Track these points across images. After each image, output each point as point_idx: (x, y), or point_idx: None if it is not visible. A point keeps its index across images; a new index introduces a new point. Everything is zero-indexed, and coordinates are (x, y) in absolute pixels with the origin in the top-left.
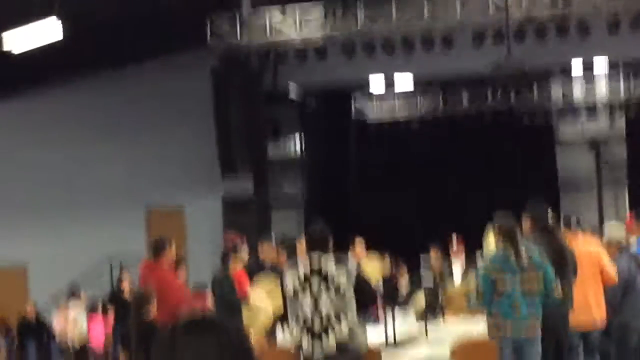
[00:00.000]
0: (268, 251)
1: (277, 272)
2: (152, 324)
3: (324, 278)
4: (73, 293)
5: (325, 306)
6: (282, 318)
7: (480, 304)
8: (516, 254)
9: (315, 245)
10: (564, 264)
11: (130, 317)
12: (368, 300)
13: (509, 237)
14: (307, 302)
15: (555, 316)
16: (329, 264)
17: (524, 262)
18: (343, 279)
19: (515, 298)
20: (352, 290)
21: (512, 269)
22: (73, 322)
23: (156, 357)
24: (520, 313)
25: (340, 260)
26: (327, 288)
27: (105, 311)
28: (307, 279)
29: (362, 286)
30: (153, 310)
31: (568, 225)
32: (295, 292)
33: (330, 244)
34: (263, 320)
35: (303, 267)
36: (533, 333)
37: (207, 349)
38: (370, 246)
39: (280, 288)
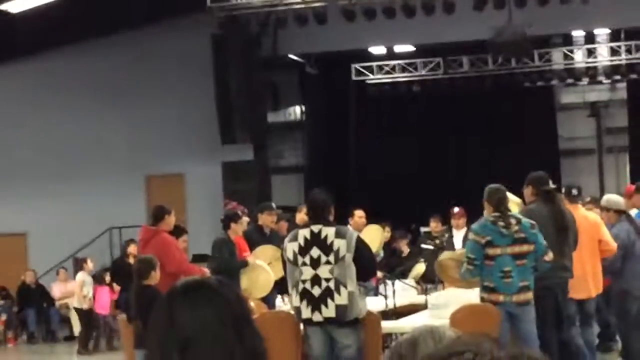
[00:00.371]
0: (267, 218)
1: (277, 239)
2: (155, 291)
3: (324, 245)
4: (78, 261)
5: (325, 273)
6: (282, 288)
7: (471, 272)
8: (506, 225)
9: (316, 214)
10: (565, 229)
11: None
12: (369, 268)
13: (498, 208)
14: (306, 269)
15: (554, 282)
16: (329, 231)
17: (514, 233)
18: (343, 246)
19: (506, 263)
20: (352, 257)
21: (501, 239)
22: (79, 287)
23: (154, 322)
24: (511, 279)
25: (340, 229)
26: (327, 255)
27: (111, 280)
28: (307, 246)
29: (362, 254)
30: (156, 277)
31: (569, 195)
32: (295, 259)
33: (332, 213)
34: (262, 284)
35: (303, 235)
36: (525, 299)
37: (206, 312)
38: (370, 214)
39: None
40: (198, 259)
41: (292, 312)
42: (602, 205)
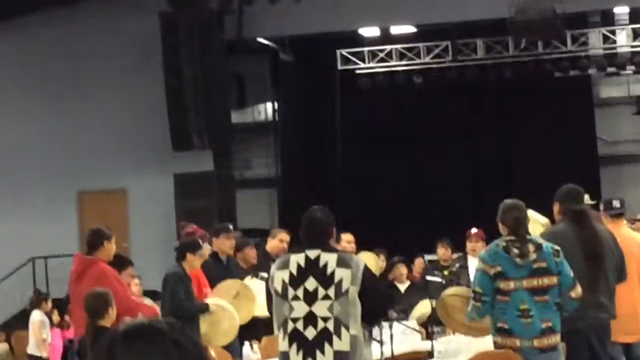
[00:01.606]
0: (225, 243)
1: (236, 269)
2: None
3: (322, 276)
4: (36, 297)
5: (322, 311)
6: (250, 333)
7: (478, 310)
8: (521, 252)
9: (313, 235)
10: (597, 257)
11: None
12: (378, 307)
13: (515, 231)
14: (299, 304)
15: (585, 324)
16: (330, 259)
17: (532, 262)
18: (347, 277)
19: (522, 300)
20: (357, 291)
21: (516, 270)
22: (38, 329)
23: None
24: (531, 319)
25: (344, 256)
26: (326, 289)
27: (61, 319)
28: (300, 275)
29: (370, 288)
30: (113, 316)
31: (609, 209)
32: (284, 292)
33: (334, 237)
34: (226, 329)
35: (296, 261)
36: (550, 344)
37: None
38: (361, 239)
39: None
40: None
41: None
42: None
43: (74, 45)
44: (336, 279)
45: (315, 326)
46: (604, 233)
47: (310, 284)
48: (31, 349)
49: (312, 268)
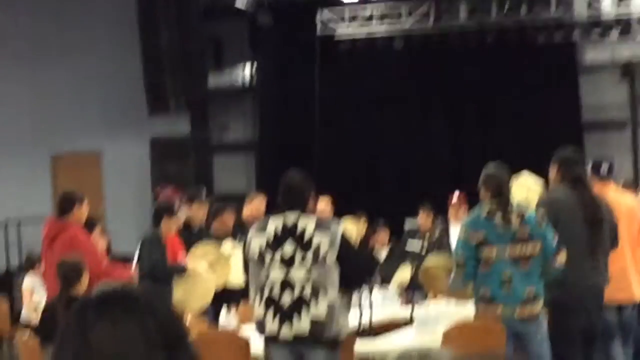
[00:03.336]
0: (198, 211)
1: (217, 238)
2: None
3: (300, 240)
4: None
5: (300, 276)
6: (227, 299)
7: (461, 278)
8: (504, 217)
9: (291, 199)
10: (598, 223)
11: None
12: (361, 270)
13: (497, 196)
14: (276, 269)
15: (584, 290)
16: (308, 223)
17: (515, 228)
18: (325, 242)
19: (505, 268)
20: (335, 257)
21: (499, 237)
22: (29, 294)
23: (63, 343)
24: (512, 288)
25: (323, 220)
26: (304, 253)
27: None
28: (278, 240)
29: (348, 253)
30: (85, 284)
31: (597, 172)
32: (261, 257)
33: (311, 200)
34: (201, 293)
35: (274, 225)
36: (532, 313)
37: (129, 330)
38: (340, 203)
39: (224, 258)
40: (119, 261)
41: (243, 327)
42: None
43: (47, 8)
44: (314, 244)
45: (292, 292)
46: (602, 199)
47: (288, 248)
48: (23, 317)
49: (290, 232)
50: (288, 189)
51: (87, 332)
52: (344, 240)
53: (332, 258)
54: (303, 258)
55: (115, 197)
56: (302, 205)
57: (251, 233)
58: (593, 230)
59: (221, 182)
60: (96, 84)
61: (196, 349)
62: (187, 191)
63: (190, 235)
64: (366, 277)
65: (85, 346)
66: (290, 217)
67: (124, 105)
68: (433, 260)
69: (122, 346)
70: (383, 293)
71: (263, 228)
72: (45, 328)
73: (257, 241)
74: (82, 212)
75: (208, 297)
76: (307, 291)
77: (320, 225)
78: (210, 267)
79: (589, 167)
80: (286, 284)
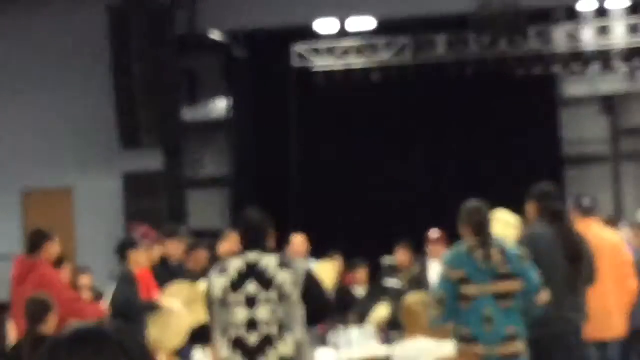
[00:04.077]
0: (177, 247)
1: (185, 275)
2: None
3: (263, 279)
4: None
5: (265, 315)
6: (202, 338)
7: (441, 316)
8: (485, 253)
9: (253, 238)
10: (578, 259)
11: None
12: (322, 308)
13: (478, 233)
14: (240, 310)
15: (566, 328)
16: (270, 261)
17: (496, 265)
18: (289, 280)
19: (486, 306)
20: (300, 294)
21: (480, 274)
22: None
23: None
24: (493, 326)
25: (285, 258)
26: (268, 293)
27: None
28: (241, 280)
29: (313, 290)
30: (54, 323)
31: (579, 207)
32: (224, 298)
33: (272, 238)
34: (176, 331)
35: (236, 266)
36: (513, 352)
37: None
38: (316, 241)
39: (199, 296)
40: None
41: None
42: (635, 226)
43: (17, 38)
44: (277, 282)
45: (257, 331)
46: (582, 239)
47: (252, 288)
48: None
49: (252, 272)
50: (247, 228)
51: None
52: (309, 278)
53: (296, 296)
54: (267, 297)
55: (87, 234)
56: (262, 244)
57: (213, 275)
58: (573, 266)
59: (195, 217)
60: (67, 119)
61: None
62: (164, 227)
63: (168, 271)
64: (327, 315)
65: None
66: (251, 256)
67: (95, 140)
68: (414, 297)
69: None
70: (361, 331)
71: (224, 269)
72: None
73: (219, 283)
74: (53, 248)
75: (183, 336)
76: (274, 330)
77: (283, 263)
78: (185, 306)
79: (571, 202)
80: (251, 324)
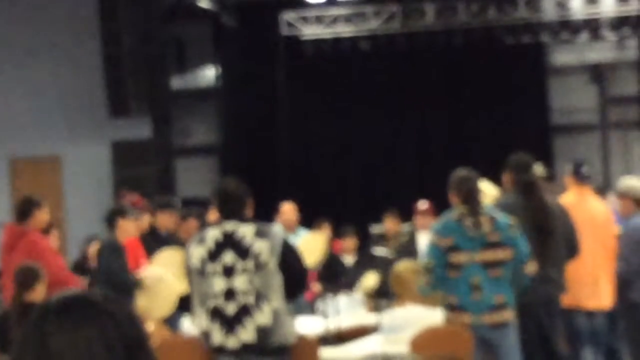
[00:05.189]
0: (167, 219)
1: (179, 244)
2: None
3: (240, 249)
4: None
5: (242, 285)
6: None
7: (430, 284)
8: (475, 221)
9: (229, 208)
10: (547, 230)
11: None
12: (296, 282)
13: (467, 202)
14: (218, 280)
15: (533, 299)
16: (247, 230)
17: (486, 233)
18: (265, 249)
19: (474, 274)
20: (277, 263)
21: (469, 242)
22: None
23: (21, 350)
24: (481, 294)
25: (262, 227)
26: (244, 262)
27: None
28: (218, 250)
29: (289, 261)
30: (42, 292)
31: (577, 174)
32: (202, 268)
33: (249, 207)
34: (164, 298)
35: (213, 236)
36: (501, 320)
37: (88, 337)
38: (305, 209)
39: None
40: (79, 268)
41: (199, 332)
42: (621, 192)
43: (5, 9)
44: (255, 251)
45: (235, 301)
46: (554, 206)
47: (229, 257)
48: None
49: (230, 241)
50: (224, 197)
51: (47, 339)
52: (286, 248)
53: (273, 264)
54: (244, 266)
55: (75, 202)
56: (239, 214)
57: (191, 245)
58: (541, 238)
59: (184, 185)
60: (56, 87)
61: (158, 355)
62: (156, 198)
63: (157, 241)
64: (303, 286)
65: (45, 353)
66: (228, 226)
67: (84, 109)
68: (404, 264)
69: (82, 352)
70: (349, 299)
71: (202, 239)
72: (1, 336)
73: (197, 252)
74: (42, 216)
75: (172, 303)
76: (251, 299)
77: (259, 232)
78: (176, 272)
79: (568, 167)
80: (229, 294)
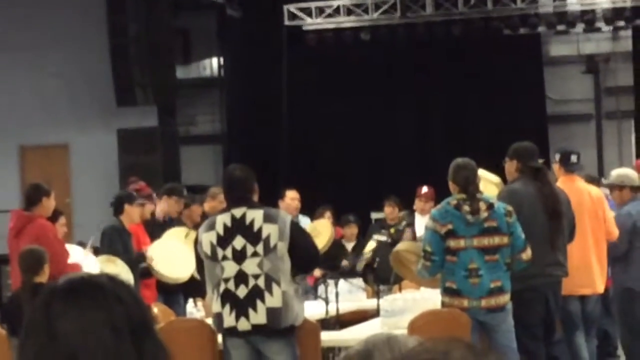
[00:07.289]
0: (174, 205)
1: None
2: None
3: (250, 233)
4: None
5: (252, 268)
6: (193, 290)
7: (428, 269)
8: (472, 210)
9: (237, 194)
10: (558, 216)
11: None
12: (309, 259)
13: (465, 189)
14: (228, 264)
15: (544, 282)
16: (256, 215)
17: (483, 219)
18: (274, 233)
19: (471, 259)
20: (286, 247)
21: (466, 228)
22: None
23: (29, 333)
24: (479, 278)
25: (270, 211)
26: (254, 245)
27: None
28: (227, 235)
29: (299, 243)
30: (47, 273)
31: (566, 163)
32: (213, 253)
33: (256, 192)
34: (184, 262)
35: (222, 222)
36: (498, 304)
37: (96, 319)
38: (307, 195)
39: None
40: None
41: (209, 320)
42: (614, 182)
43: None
44: (264, 235)
45: (246, 284)
46: (561, 192)
47: (238, 242)
48: None
49: (239, 226)
50: (231, 184)
51: (54, 322)
52: (294, 230)
53: (282, 248)
54: (254, 251)
55: (82, 189)
56: (247, 199)
57: (201, 232)
58: (552, 223)
59: (189, 174)
60: (64, 76)
61: (163, 337)
62: (161, 182)
63: (160, 227)
64: (314, 267)
65: (52, 335)
66: (237, 212)
67: (91, 98)
68: (405, 246)
69: (88, 334)
70: (350, 284)
71: (212, 225)
72: (11, 319)
73: (207, 238)
74: (50, 204)
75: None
76: (261, 283)
77: (268, 216)
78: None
79: (557, 157)
80: (240, 278)
